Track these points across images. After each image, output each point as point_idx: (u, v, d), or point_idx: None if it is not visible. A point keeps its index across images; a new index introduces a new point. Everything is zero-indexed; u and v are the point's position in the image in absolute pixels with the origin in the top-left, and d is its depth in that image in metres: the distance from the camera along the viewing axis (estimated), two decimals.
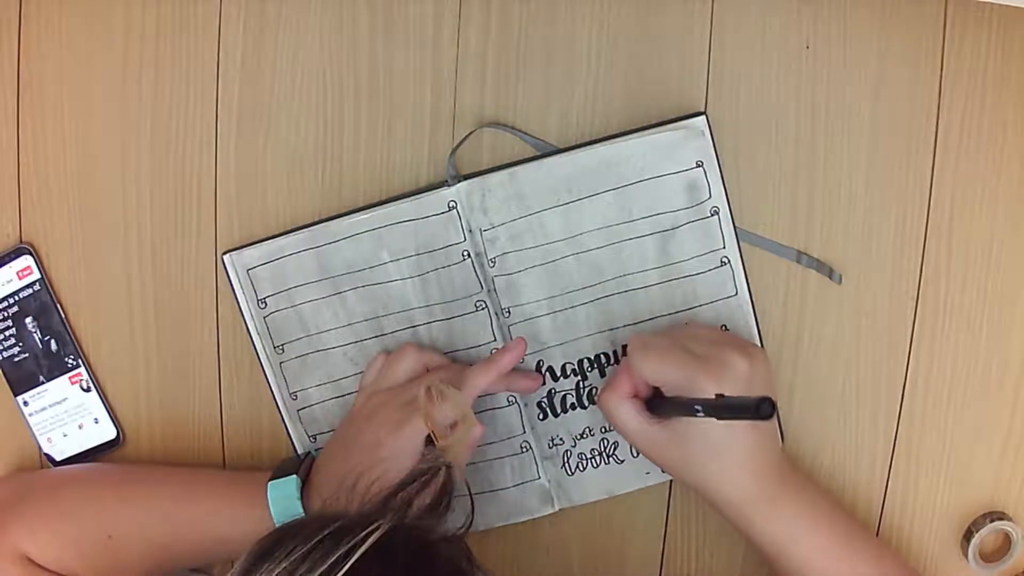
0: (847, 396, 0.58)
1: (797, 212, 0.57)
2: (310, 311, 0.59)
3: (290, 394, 0.60)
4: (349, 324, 0.59)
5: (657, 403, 0.52)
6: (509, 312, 0.58)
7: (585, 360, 0.58)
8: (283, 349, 0.60)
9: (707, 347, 0.51)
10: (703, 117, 0.55)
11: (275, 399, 0.60)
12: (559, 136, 0.58)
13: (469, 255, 0.57)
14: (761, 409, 0.41)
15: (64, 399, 0.62)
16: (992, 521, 0.58)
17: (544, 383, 0.59)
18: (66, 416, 0.63)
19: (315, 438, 0.61)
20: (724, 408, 0.45)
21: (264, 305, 0.59)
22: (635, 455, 0.59)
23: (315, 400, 0.60)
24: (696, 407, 0.47)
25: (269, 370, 0.60)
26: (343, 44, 0.58)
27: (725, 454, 0.50)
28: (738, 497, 0.51)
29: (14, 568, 0.55)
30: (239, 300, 0.59)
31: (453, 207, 0.57)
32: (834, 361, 0.58)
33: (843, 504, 0.58)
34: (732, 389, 0.48)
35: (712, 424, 0.48)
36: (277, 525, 0.49)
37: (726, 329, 0.57)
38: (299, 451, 0.61)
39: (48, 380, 0.62)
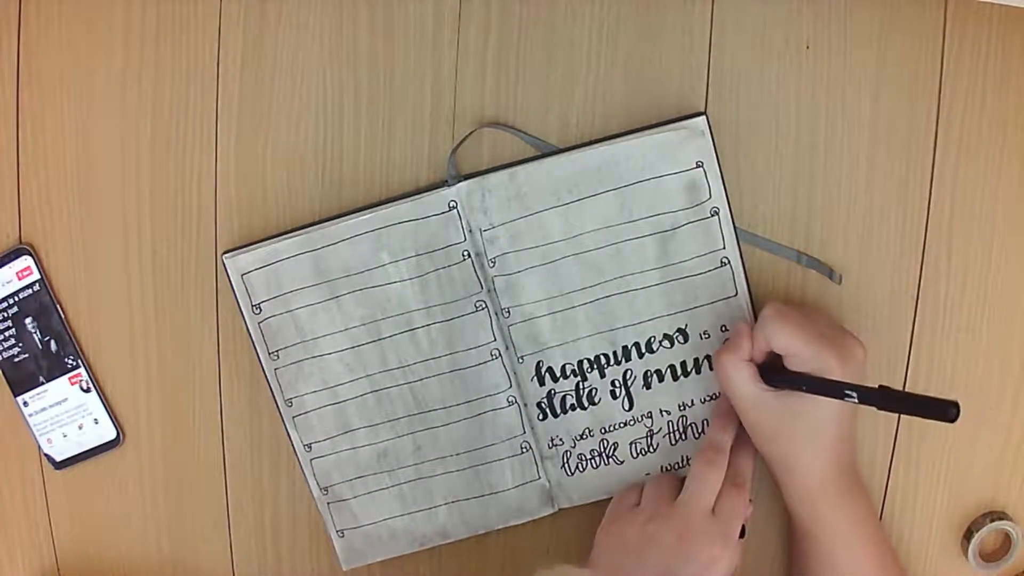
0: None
1: (797, 212, 0.57)
2: (306, 316, 0.59)
3: (285, 401, 0.60)
4: (346, 329, 0.59)
5: (780, 374, 0.52)
6: (509, 312, 0.58)
7: (585, 361, 0.58)
8: (278, 355, 0.59)
9: (829, 329, 0.52)
10: (703, 117, 0.55)
11: (275, 401, 0.60)
12: (559, 136, 0.57)
13: (469, 255, 0.57)
14: (949, 411, 0.42)
15: (64, 399, 0.62)
16: (992, 521, 0.58)
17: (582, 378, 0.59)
18: (66, 416, 0.63)
19: (310, 447, 0.60)
20: (904, 401, 0.45)
21: (259, 310, 0.59)
22: (635, 457, 0.59)
23: (311, 407, 0.60)
24: (848, 392, 0.47)
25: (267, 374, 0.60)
26: (343, 44, 0.58)
27: (823, 439, 0.51)
28: (820, 482, 0.52)
29: None
30: (239, 301, 0.59)
31: (453, 207, 0.57)
32: None
33: None
34: (852, 374, 0.50)
35: (825, 408, 0.50)
36: None
37: (726, 330, 0.57)
38: (298, 456, 0.61)
39: (48, 380, 0.62)
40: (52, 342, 0.62)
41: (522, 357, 0.58)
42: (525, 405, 0.59)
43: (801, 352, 0.51)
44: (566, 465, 0.60)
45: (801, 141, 0.56)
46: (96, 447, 0.63)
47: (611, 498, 0.59)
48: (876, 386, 0.48)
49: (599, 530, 0.56)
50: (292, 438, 0.60)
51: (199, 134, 0.60)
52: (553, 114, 0.57)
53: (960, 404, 0.43)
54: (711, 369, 0.58)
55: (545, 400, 0.59)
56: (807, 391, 0.50)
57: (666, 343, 0.58)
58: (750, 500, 0.54)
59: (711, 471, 0.53)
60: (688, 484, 0.53)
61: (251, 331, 0.59)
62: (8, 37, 0.60)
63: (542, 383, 0.59)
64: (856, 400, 0.47)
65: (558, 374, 0.58)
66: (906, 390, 0.45)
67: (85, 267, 0.62)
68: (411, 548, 0.62)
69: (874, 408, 0.48)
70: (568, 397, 0.59)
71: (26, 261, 0.61)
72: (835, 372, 0.49)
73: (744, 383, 0.52)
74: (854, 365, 0.51)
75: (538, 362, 0.58)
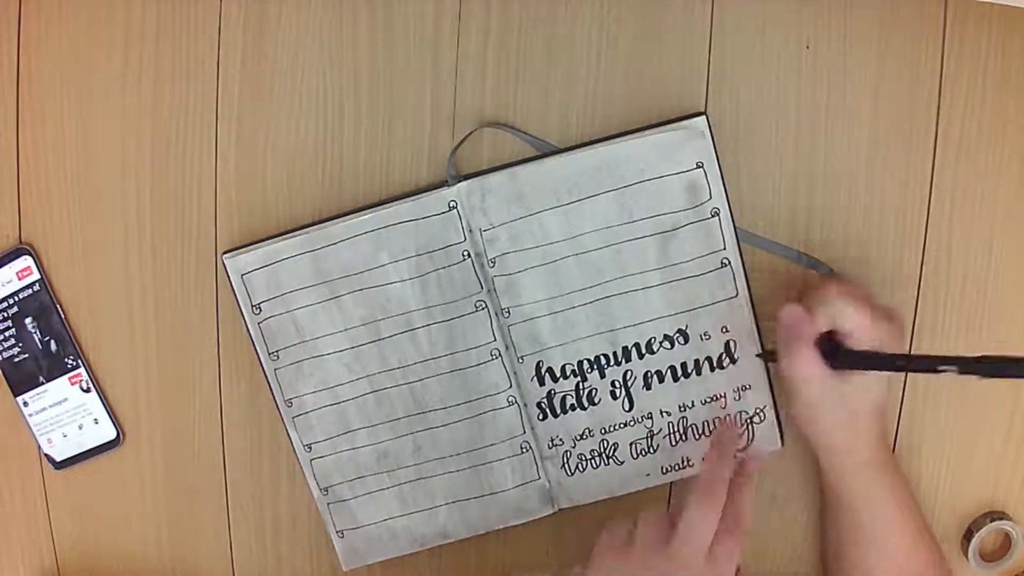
0: None
1: (797, 212, 0.57)
2: (306, 316, 0.59)
3: (285, 401, 0.60)
4: (345, 329, 0.59)
5: (847, 355, 0.51)
6: (509, 312, 0.58)
7: (585, 361, 0.58)
8: (278, 355, 0.59)
9: (875, 301, 0.52)
10: (703, 117, 0.55)
11: (275, 401, 0.60)
12: (559, 136, 0.57)
13: (469, 255, 0.57)
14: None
15: (64, 399, 0.62)
16: (992, 521, 0.58)
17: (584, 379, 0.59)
18: (66, 416, 0.63)
19: (310, 447, 0.60)
20: (989, 366, 0.45)
21: (259, 311, 0.59)
22: (635, 456, 0.59)
23: (311, 407, 0.60)
24: (943, 366, 0.47)
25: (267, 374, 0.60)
26: (343, 44, 0.58)
27: (872, 415, 0.52)
28: (864, 457, 0.53)
29: None
30: (239, 301, 0.59)
31: (453, 207, 0.57)
32: None
33: None
34: (899, 346, 0.51)
35: (876, 384, 0.51)
36: None
37: (727, 331, 0.57)
38: (298, 456, 0.61)
39: (48, 380, 0.62)
40: (52, 342, 0.62)
41: (522, 357, 0.58)
42: (525, 405, 0.59)
43: (869, 330, 0.50)
44: (566, 465, 0.60)
45: (801, 141, 0.56)
46: (96, 447, 0.63)
47: (611, 499, 0.59)
48: (976, 356, 0.46)
49: (589, 565, 0.53)
50: (292, 438, 0.60)
51: (199, 134, 0.60)
52: (553, 114, 0.57)
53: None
54: (711, 371, 0.58)
55: (545, 400, 0.59)
56: (880, 368, 0.50)
57: (666, 344, 0.58)
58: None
59: (708, 512, 0.49)
60: (684, 523, 0.49)
61: (251, 331, 0.59)
62: (8, 37, 0.60)
63: (542, 383, 0.59)
64: (957, 372, 0.46)
65: (558, 374, 0.58)
66: (999, 355, 0.45)
67: (85, 267, 0.62)
68: (411, 548, 0.62)
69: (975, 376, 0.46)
70: (568, 397, 0.59)
71: (26, 261, 0.61)
72: (896, 346, 0.50)
73: (816, 370, 0.50)
74: (902, 337, 0.52)
75: (538, 362, 0.58)
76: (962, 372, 0.46)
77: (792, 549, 0.61)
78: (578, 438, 0.59)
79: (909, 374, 0.58)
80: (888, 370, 0.50)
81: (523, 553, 0.62)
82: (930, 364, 0.48)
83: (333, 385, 0.59)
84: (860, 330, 0.50)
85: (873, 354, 0.50)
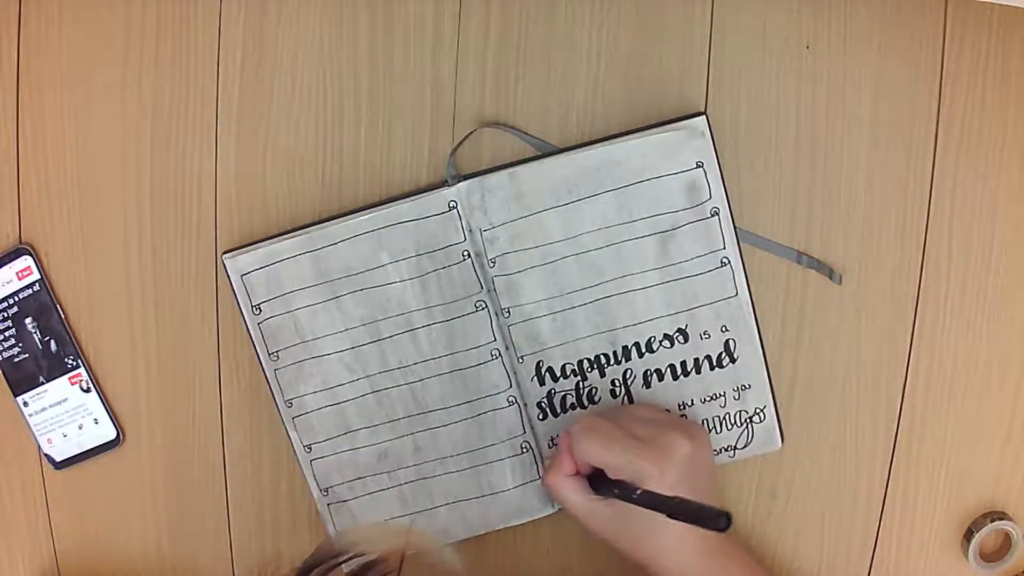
0: (847, 396, 0.58)
1: (797, 212, 0.57)
2: (306, 317, 0.59)
3: (285, 402, 0.60)
4: (346, 330, 0.59)
5: (603, 484, 0.52)
6: (509, 312, 0.58)
7: (585, 361, 0.58)
8: (278, 356, 0.59)
9: (650, 429, 0.52)
10: (703, 117, 0.55)
11: (275, 401, 0.60)
12: (559, 136, 0.58)
13: (469, 255, 0.57)
14: (719, 522, 0.43)
15: (64, 399, 0.62)
16: (992, 521, 0.58)
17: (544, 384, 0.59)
18: (66, 416, 0.63)
19: (310, 448, 0.60)
20: (680, 512, 0.46)
21: (259, 311, 0.59)
22: None
23: (311, 408, 0.60)
24: (645, 501, 0.48)
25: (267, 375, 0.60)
26: (343, 44, 0.58)
27: (665, 531, 0.51)
28: (680, 570, 0.52)
29: None
30: (239, 301, 0.59)
31: (453, 207, 0.57)
32: (834, 361, 0.58)
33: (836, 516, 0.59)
34: (674, 472, 0.50)
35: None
36: None
37: (726, 330, 0.57)
38: (298, 457, 0.61)
39: (48, 380, 0.62)
40: (52, 342, 0.62)
41: (522, 357, 0.58)
42: (525, 405, 0.59)
43: (614, 463, 0.51)
44: None
45: (801, 141, 0.56)
46: (96, 447, 0.63)
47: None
48: (665, 496, 0.48)
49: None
50: (292, 439, 0.60)
51: (199, 134, 0.60)
52: (553, 114, 0.57)
53: (731, 515, 0.44)
54: (711, 369, 0.58)
55: (545, 400, 0.59)
56: (620, 499, 0.50)
57: (666, 343, 0.58)
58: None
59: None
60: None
61: (251, 331, 0.59)
62: (8, 37, 0.60)
63: (542, 383, 0.59)
64: (647, 507, 0.48)
65: (558, 374, 0.58)
66: (684, 500, 0.46)
67: (85, 267, 0.62)
68: (411, 548, 0.62)
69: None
70: (568, 397, 0.59)
71: (26, 261, 0.61)
72: (653, 476, 0.49)
73: (573, 497, 0.53)
74: (676, 463, 0.50)
75: (538, 362, 0.58)
76: (658, 510, 0.47)
77: (793, 547, 0.61)
78: None
79: None
80: (628, 501, 0.50)
81: (524, 554, 0.62)
82: (640, 499, 0.49)
83: (333, 385, 0.59)
84: (605, 465, 0.51)
85: (618, 484, 0.51)
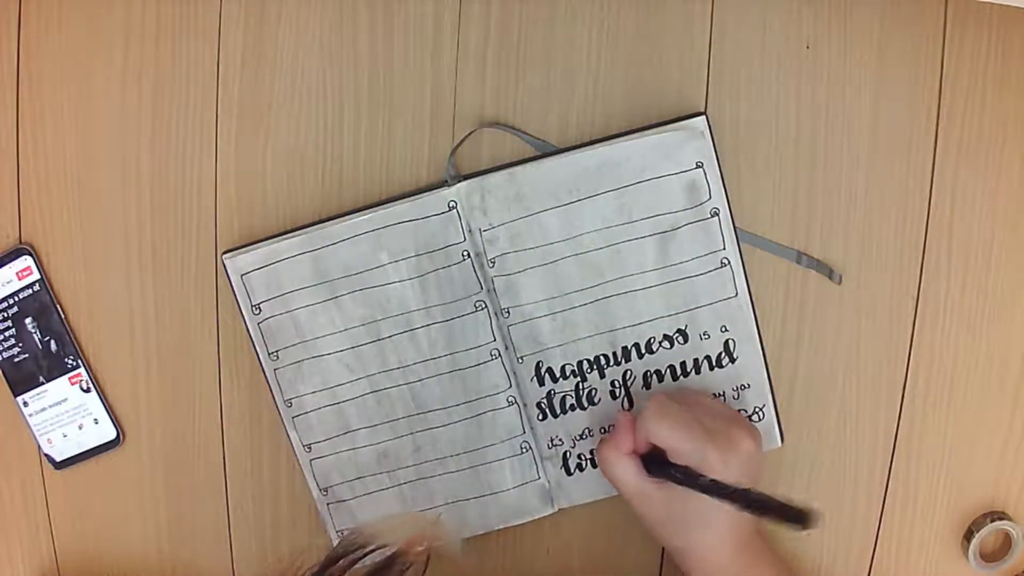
0: (847, 396, 0.58)
1: (797, 212, 0.57)
2: (305, 316, 0.59)
3: (285, 401, 0.60)
4: (345, 329, 0.59)
5: (661, 467, 0.52)
6: (508, 313, 0.58)
7: (584, 361, 0.58)
8: (278, 355, 0.59)
9: (717, 421, 0.52)
10: (703, 117, 0.55)
11: (275, 401, 0.60)
12: (559, 136, 0.57)
13: (469, 255, 0.57)
14: (806, 519, 0.43)
15: (64, 399, 0.62)
16: (992, 521, 0.58)
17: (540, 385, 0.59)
18: (66, 417, 0.63)
19: (310, 447, 0.60)
20: (760, 505, 0.46)
21: (258, 311, 0.59)
22: None
23: (310, 407, 0.60)
24: (714, 490, 0.48)
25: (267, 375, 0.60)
26: (343, 44, 0.58)
27: (712, 525, 0.51)
28: (718, 563, 0.52)
29: None
30: (239, 301, 0.59)
31: (453, 207, 0.57)
32: (834, 361, 0.58)
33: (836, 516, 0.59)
34: (737, 466, 0.50)
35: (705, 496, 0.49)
36: None
37: (726, 330, 0.57)
38: (298, 457, 0.61)
39: (48, 380, 0.62)
40: (52, 342, 0.62)
41: (522, 357, 0.58)
42: (525, 405, 0.59)
43: (682, 446, 0.50)
44: (566, 465, 0.60)
45: (801, 141, 0.56)
46: (96, 447, 0.63)
47: (611, 498, 0.59)
48: (743, 488, 0.48)
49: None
50: (292, 438, 0.60)
51: (199, 134, 0.60)
52: (553, 114, 0.57)
53: (818, 510, 0.43)
54: (711, 369, 0.58)
55: (545, 400, 0.59)
56: (681, 483, 0.50)
57: (666, 344, 0.58)
58: None
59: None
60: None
61: (251, 331, 0.59)
62: (8, 37, 0.60)
63: (542, 383, 0.59)
64: (715, 497, 0.48)
65: (558, 374, 0.58)
66: (766, 494, 0.46)
67: (85, 267, 0.62)
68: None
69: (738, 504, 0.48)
70: (568, 397, 0.59)
71: (26, 261, 0.61)
72: (715, 467, 0.49)
73: (627, 476, 0.53)
74: (739, 458, 0.50)
75: (538, 362, 0.58)
76: (731, 500, 0.47)
77: (793, 547, 0.61)
78: (578, 438, 0.59)
79: None
80: (691, 487, 0.50)
81: (524, 554, 0.62)
82: (726, 491, 0.48)
83: (333, 385, 0.59)
84: (672, 449, 0.51)
85: (681, 469, 0.51)
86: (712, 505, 0.49)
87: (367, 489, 0.61)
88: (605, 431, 0.59)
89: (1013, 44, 0.54)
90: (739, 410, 0.58)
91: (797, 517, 0.43)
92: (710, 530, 0.51)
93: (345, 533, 0.51)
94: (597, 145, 0.56)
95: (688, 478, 0.50)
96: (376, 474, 0.60)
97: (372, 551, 0.49)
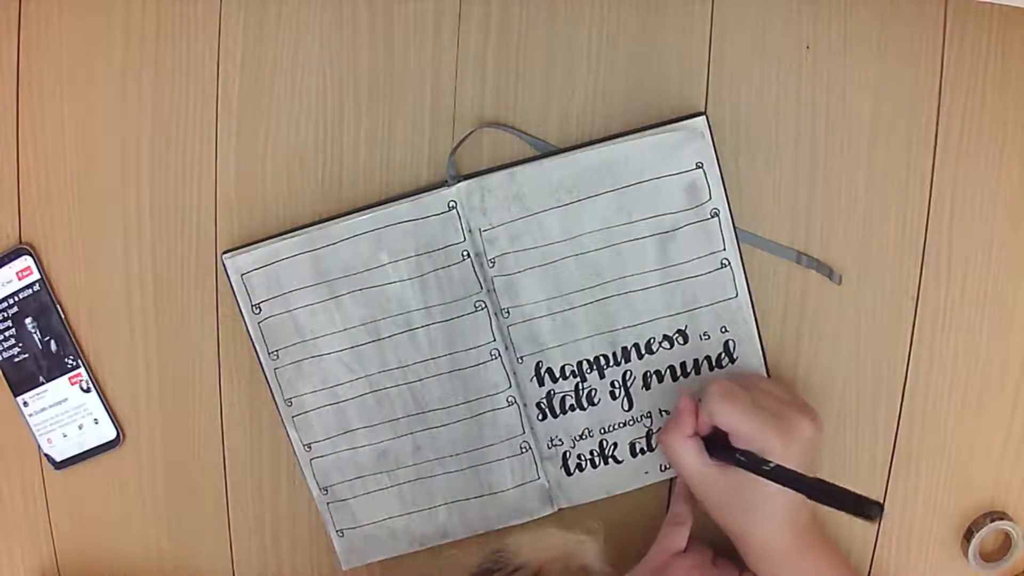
0: (847, 396, 0.58)
1: (797, 212, 0.57)
2: (305, 316, 0.59)
3: (284, 401, 0.60)
4: (345, 329, 0.59)
5: (723, 450, 0.52)
6: (508, 313, 0.58)
7: (584, 362, 0.58)
8: (278, 355, 0.59)
9: (779, 406, 0.52)
10: (703, 118, 0.55)
11: (275, 401, 0.60)
12: (559, 136, 0.57)
13: (469, 255, 0.57)
14: (872, 510, 0.42)
15: (64, 399, 0.62)
16: (992, 521, 0.58)
17: (543, 384, 0.59)
18: (66, 417, 0.63)
19: (309, 447, 0.60)
20: (825, 493, 0.46)
21: (258, 310, 0.59)
22: (633, 456, 0.59)
23: (310, 407, 0.60)
24: (778, 476, 0.48)
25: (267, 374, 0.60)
26: (343, 44, 0.58)
27: (773, 510, 0.51)
28: (776, 547, 0.52)
29: None
30: (238, 301, 0.59)
31: (453, 207, 0.57)
32: (834, 361, 0.58)
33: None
34: (797, 452, 0.50)
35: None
36: None
37: (726, 331, 0.57)
38: (298, 456, 0.61)
39: (48, 380, 0.62)
40: (52, 342, 0.62)
41: (522, 357, 0.58)
42: (525, 405, 0.59)
43: (744, 430, 0.51)
44: (565, 465, 0.60)
45: (801, 141, 0.56)
46: (96, 447, 0.63)
47: (610, 498, 0.59)
48: (808, 476, 0.48)
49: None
50: (292, 438, 0.60)
51: (199, 134, 0.60)
52: (553, 114, 0.57)
53: (883, 504, 0.43)
54: (711, 370, 0.58)
55: (545, 400, 0.59)
56: (745, 468, 0.50)
57: (666, 344, 0.58)
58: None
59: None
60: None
61: (251, 331, 0.59)
62: (8, 37, 0.60)
63: (541, 383, 0.59)
64: (780, 483, 0.48)
65: (557, 375, 0.58)
66: (831, 483, 0.46)
67: (85, 267, 0.62)
68: (411, 548, 0.62)
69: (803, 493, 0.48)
70: (568, 397, 0.59)
71: (26, 261, 0.61)
72: (776, 452, 0.49)
73: (690, 459, 0.53)
74: (800, 443, 0.50)
75: (538, 362, 0.58)
76: (784, 484, 0.48)
77: None
78: (577, 438, 0.59)
79: None
80: (755, 472, 0.50)
81: (523, 553, 0.62)
82: (791, 478, 0.48)
83: (333, 385, 0.59)
84: (735, 431, 0.51)
85: (745, 454, 0.51)
86: (772, 491, 0.49)
87: (367, 488, 0.61)
88: (605, 431, 0.59)
89: (1013, 44, 0.54)
90: None
91: (862, 507, 0.43)
92: (770, 516, 0.51)
93: (491, 550, 0.51)
94: (597, 145, 0.56)
95: (752, 463, 0.50)
96: (376, 473, 0.60)
97: (514, 571, 0.49)
